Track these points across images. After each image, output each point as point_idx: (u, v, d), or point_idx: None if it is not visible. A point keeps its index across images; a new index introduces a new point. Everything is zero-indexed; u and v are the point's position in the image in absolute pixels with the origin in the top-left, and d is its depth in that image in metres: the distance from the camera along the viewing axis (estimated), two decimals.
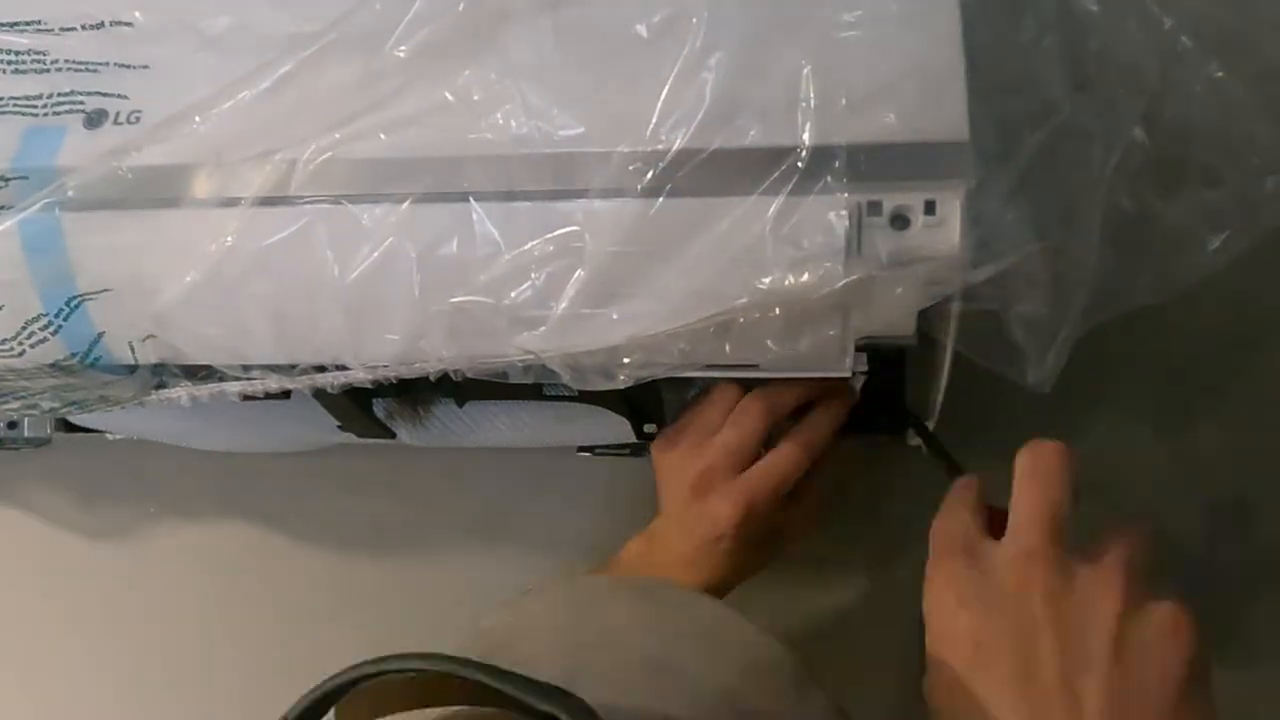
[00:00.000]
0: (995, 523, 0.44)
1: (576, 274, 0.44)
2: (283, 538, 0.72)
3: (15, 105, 0.49)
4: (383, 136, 0.46)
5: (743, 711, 0.39)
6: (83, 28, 0.51)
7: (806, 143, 0.43)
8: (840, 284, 0.43)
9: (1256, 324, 0.66)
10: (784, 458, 0.53)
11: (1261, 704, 0.64)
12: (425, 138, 0.46)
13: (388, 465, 0.70)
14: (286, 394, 0.52)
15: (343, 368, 0.49)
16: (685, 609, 0.44)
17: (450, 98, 0.46)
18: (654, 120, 0.44)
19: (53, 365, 0.50)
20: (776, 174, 0.43)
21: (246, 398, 0.52)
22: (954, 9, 0.44)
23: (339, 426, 0.61)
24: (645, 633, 0.41)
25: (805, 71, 0.43)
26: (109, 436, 0.67)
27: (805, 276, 0.43)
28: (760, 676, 0.41)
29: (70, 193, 0.46)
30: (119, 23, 0.50)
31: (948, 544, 0.44)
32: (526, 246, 0.45)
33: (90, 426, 0.66)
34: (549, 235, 0.45)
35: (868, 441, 0.60)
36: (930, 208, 0.43)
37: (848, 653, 0.63)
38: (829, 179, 0.43)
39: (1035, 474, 0.43)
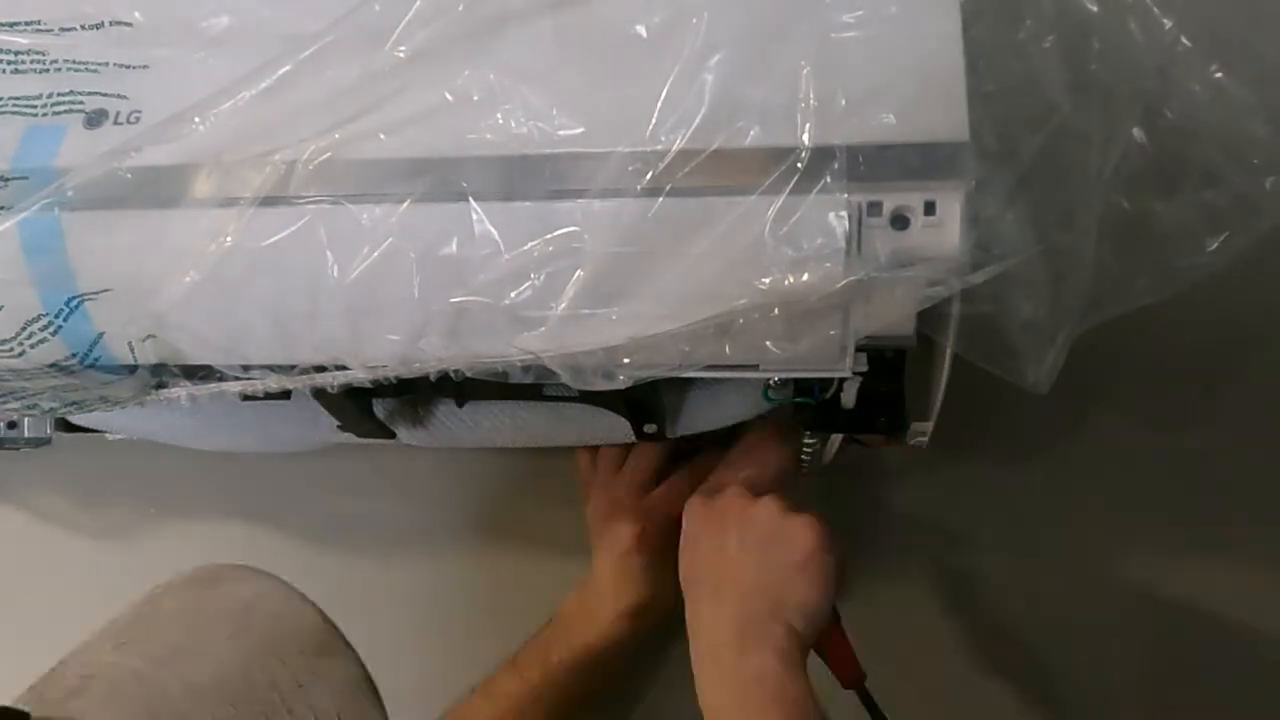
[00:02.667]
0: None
1: (576, 274, 0.44)
2: (283, 538, 0.72)
3: (15, 105, 0.49)
4: (383, 136, 0.46)
5: (257, 680, 0.43)
6: (82, 28, 0.51)
7: (806, 143, 0.43)
8: (840, 284, 0.43)
9: (1256, 324, 0.66)
10: (673, 486, 0.64)
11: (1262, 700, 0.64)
12: (425, 138, 0.46)
13: (388, 465, 0.70)
14: (286, 394, 0.52)
15: (343, 368, 0.49)
16: (228, 587, 0.49)
17: (450, 98, 0.46)
18: (654, 120, 0.44)
19: (53, 365, 0.50)
20: (776, 174, 0.43)
21: (246, 398, 0.52)
22: (954, 9, 0.44)
23: (339, 426, 0.61)
24: (182, 618, 0.46)
25: (805, 72, 0.43)
26: (109, 436, 0.67)
27: (805, 277, 0.43)
28: (280, 644, 0.45)
29: (70, 193, 0.46)
30: (119, 23, 0.50)
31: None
32: (526, 247, 0.45)
33: (90, 426, 0.66)
34: (548, 235, 0.45)
35: (867, 442, 0.60)
36: (930, 208, 0.43)
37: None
38: (829, 179, 0.43)
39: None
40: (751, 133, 0.43)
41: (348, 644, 0.47)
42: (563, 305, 0.45)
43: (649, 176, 0.43)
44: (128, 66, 0.49)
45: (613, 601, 0.63)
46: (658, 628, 0.63)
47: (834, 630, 0.55)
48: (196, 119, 0.47)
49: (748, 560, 0.53)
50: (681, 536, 0.58)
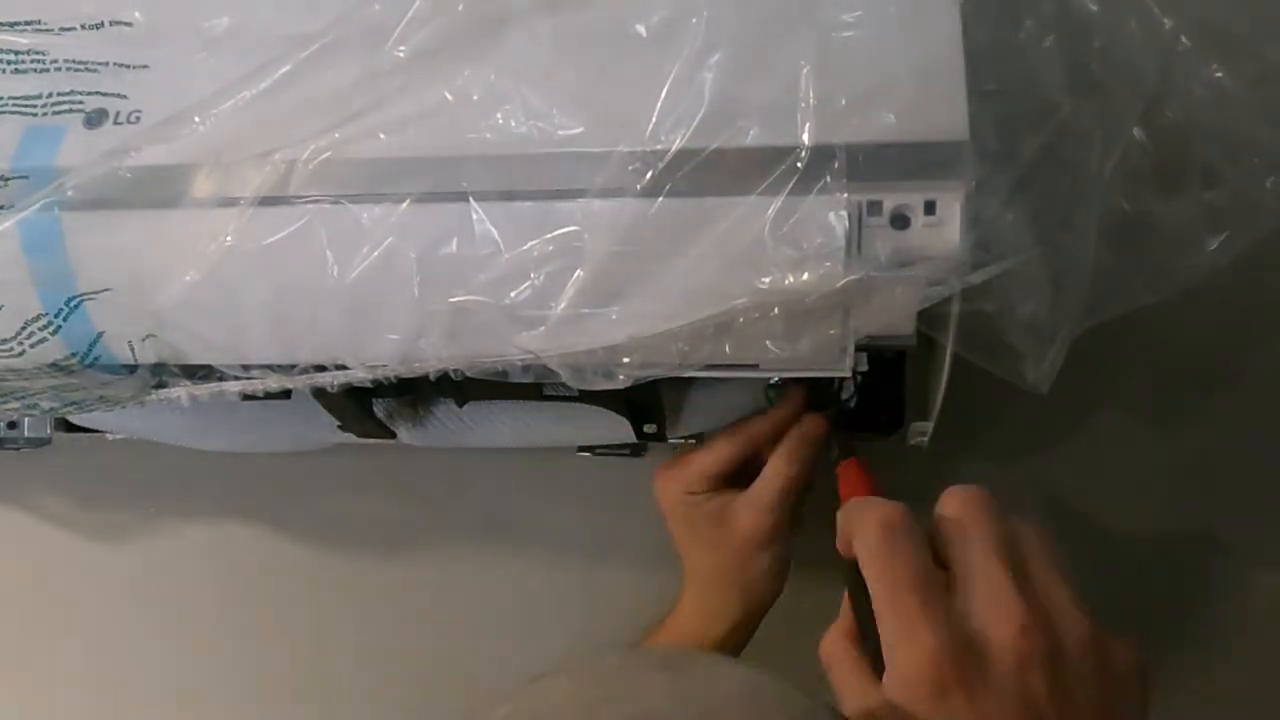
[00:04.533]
0: None
1: (576, 274, 0.44)
2: (283, 538, 0.72)
3: (15, 105, 0.49)
4: (383, 136, 0.46)
5: None
6: (82, 28, 0.51)
7: (806, 143, 0.43)
8: (840, 284, 0.43)
9: (1256, 324, 0.66)
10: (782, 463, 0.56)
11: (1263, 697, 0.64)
12: (425, 138, 0.46)
13: (388, 465, 0.70)
14: (286, 394, 0.52)
15: (343, 367, 0.49)
16: (712, 673, 0.41)
17: (450, 98, 0.46)
18: (653, 120, 0.44)
19: (53, 365, 0.50)
20: (776, 174, 0.43)
21: (246, 397, 0.52)
22: (954, 9, 0.44)
23: (339, 426, 0.61)
24: (682, 707, 0.38)
25: (805, 71, 0.43)
26: (109, 436, 0.67)
27: (805, 276, 0.43)
28: None
29: (70, 193, 0.46)
30: (119, 23, 0.50)
31: (908, 579, 0.39)
32: (526, 246, 0.45)
33: (90, 426, 0.66)
34: (548, 235, 0.45)
35: (867, 441, 0.60)
36: (930, 208, 0.43)
37: None
38: (829, 179, 0.43)
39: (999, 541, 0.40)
40: (751, 132, 0.43)
41: None
42: (563, 305, 0.45)
43: (649, 176, 0.43)
44: (128, 66, 0.49)
45: (720, 620, 0.59)
46: None
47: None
48: (196, 119, 0.47)
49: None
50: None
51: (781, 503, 0.56)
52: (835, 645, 0.42)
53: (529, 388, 0.55)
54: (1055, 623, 0.38)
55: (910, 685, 0.37)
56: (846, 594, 0.42)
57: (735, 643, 0.59)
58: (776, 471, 0.56)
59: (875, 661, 0.39)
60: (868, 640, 0.40)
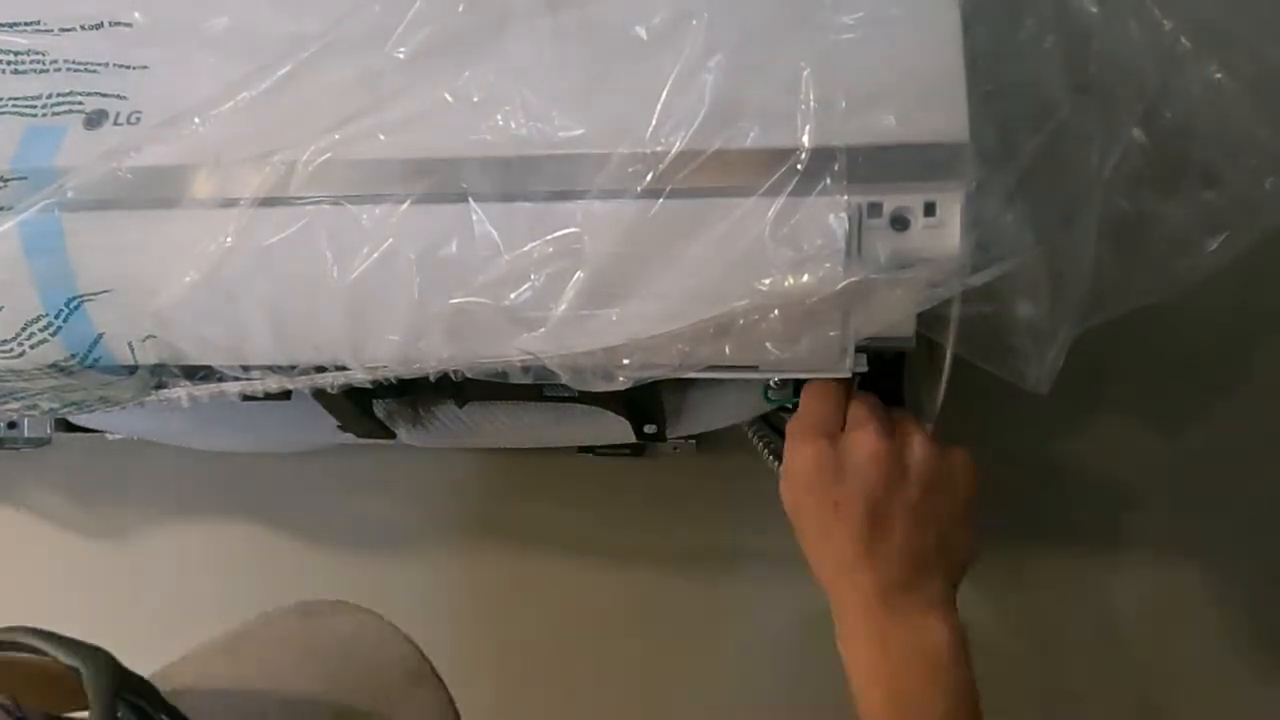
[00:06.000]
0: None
1: (576, 275, 0.44)
2: (283, 538, 0.72)
3: (15, 105, 0.49)
4: (382, 137, 0.46)
5: (356, 705, 0.47)
6: (82, 28, 0.50)
7: (806, 144, 0.43)
8: (840, 285, 0.43)
9: (1256, 324, 0.66)
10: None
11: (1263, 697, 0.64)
12: (425, 138, 0.46)
13: (388, 465, 0.70)
14: (286, 394, 0.52)
15: (343, 368, 0.49)
16: (331, 619, 0.51)
17: (450, 99, 0.46)
18: (654, 122, 0.44)
19: (52, 366, 0.50)
20: (776, 175, 0.43)
21: (246, 398, 0.52)
22: (954, 10, 0.44)
23: (339, 427, 0.61)
24: (290, 641, 0.50)
25: (805, 73, 0.43)
26: (109, 436, 0.67)
27: (805, 278, 0.43)
28: (378, 673, 0.48)
29: (70, 193, 0.46)
30: (118, 23, 0.50)
31: (813, 427, 0.50)
32: (526, 248, 0.45)
33: (90, 426, 0.66)
34: (548, 236, 0.45)
35: None
36: (930, 209, 0.43)
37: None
38: (829, 180, 0.43)
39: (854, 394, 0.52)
40: (752, 134, 0.43)
41: (438, 676, 0.50)
42: (563, 306, 0.45)
43: (649, 177, 0.43)
44: (128, 66, 0.49)
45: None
46: None
47: None
48: (196, 119, 0.47)
49: (910, 509, 0.48)
50: (790, 469, 0.51)
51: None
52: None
53: (529, 388, 0.55)
54: (904, 446, 0.49)
55: (789, 477, 0.51)
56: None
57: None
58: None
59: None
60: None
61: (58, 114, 0.49)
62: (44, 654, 0.37)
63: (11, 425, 0.69)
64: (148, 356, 0.50)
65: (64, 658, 0.36)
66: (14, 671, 0.39)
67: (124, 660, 0.72)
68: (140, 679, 0.38)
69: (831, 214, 0.43)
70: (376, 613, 0.51)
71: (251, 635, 0.50)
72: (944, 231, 0.43)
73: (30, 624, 0.38)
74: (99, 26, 0.50)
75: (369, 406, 0.59)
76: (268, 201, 0.46)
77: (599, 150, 0.44)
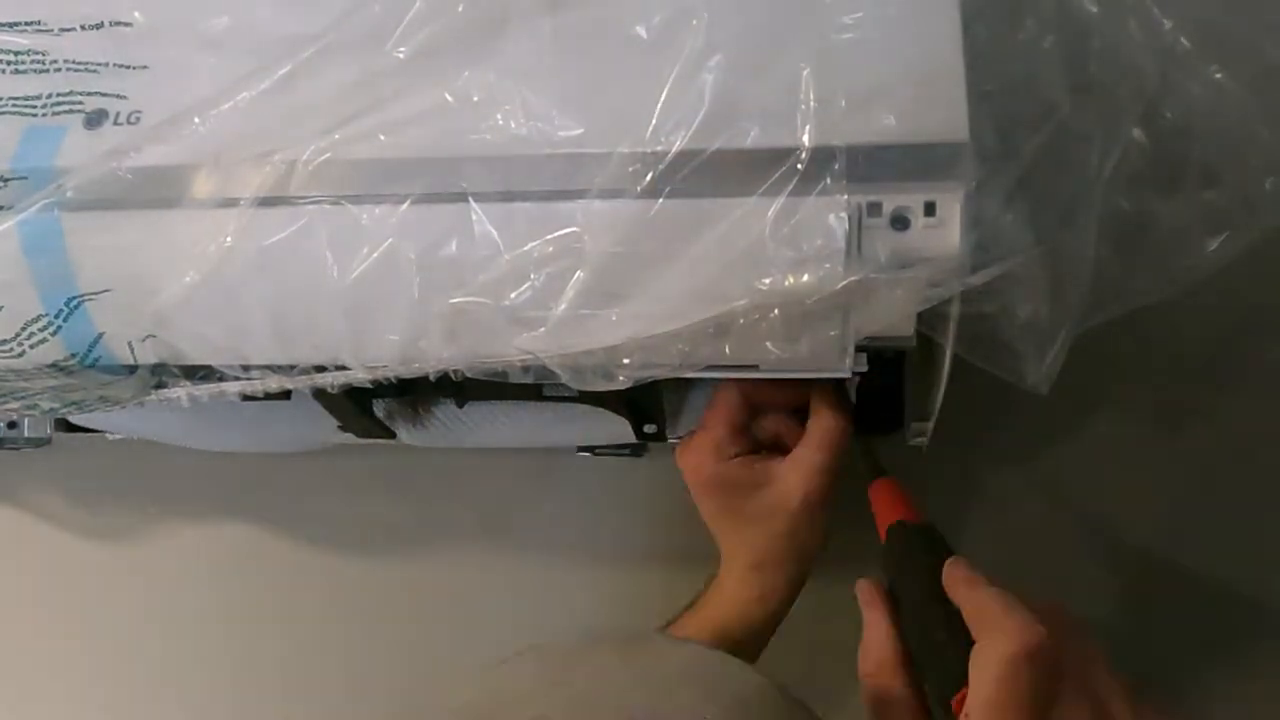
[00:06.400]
0: None
1: (576, 275, 0.44)
2: (283, 538, 0.72)
3: (15, 105, 0.49)
4: (382, 137, 0.46)
5: None
6: (82, 28, 0.51)
7: (806, 144, 0.43)
8: (840, 285, 0.43)
9: (1256, 324, 0.66)
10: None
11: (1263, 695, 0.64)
12: (425, 138, 0.46)
13: (388, 465, 0.70)
14: (286, 394, 0.52)
15: (343, 368, 0.49)
16: (667, 654, 0.45)
17: (450, 98, 0.46)
18: (654, 121, 0.44)
19: (53, 366, 0.50)
20: (776, 175, 0.43)
21: (246, 398, 0.52)
22: (954, 9, 0.44)
23: (339, 427, 0.61)
24: (627, 688, 0.41)
25: (805, 73, 0.43)
26: (109, 436, 0.67)
27: (805, 278, 0.43)
28: (753, 715, 0.41)
29: (69, 193, 0.46)
30: (119, 23, 0.50)
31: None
32: (526, 247, 0.45)
33: (90, 426, 0.66)
34: (548, 236, 0.45)
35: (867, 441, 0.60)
36: (930, 209, 0.43)
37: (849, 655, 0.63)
38: (829, 180, 0.43)
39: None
40: (751, 134, 0.43)
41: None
42: (562, 306, 0.45)
43: (649, 177, 0.43)
44: (128, 66, 0.49)
45: (755, 588, 0.56)
46: None
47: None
48: (196, 119, 0.47)
49: None
50: None
51: (835, 457, 0.53)
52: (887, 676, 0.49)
53: (529, 388, 0.55)
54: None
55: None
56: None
57: (777, 621, 0.56)
58: (824, 425, 0.53)
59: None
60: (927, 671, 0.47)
61: (58, 114, 0.49)
62: None
63: (11, 425, 0.69)
64: (148, 356, 0.50)
65: None
66: None
67: (124, 660, 0.73)
68: None
69: (831, 213, 0.43)
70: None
71: (596, 692, 0.43)
72: (944, 231, 0.43)
73: None
74: (99, 26, 0.50)
75: (369, 406, 0.59)
76: (268, 201, 0.46)
77: (599, 150, 0.44)
